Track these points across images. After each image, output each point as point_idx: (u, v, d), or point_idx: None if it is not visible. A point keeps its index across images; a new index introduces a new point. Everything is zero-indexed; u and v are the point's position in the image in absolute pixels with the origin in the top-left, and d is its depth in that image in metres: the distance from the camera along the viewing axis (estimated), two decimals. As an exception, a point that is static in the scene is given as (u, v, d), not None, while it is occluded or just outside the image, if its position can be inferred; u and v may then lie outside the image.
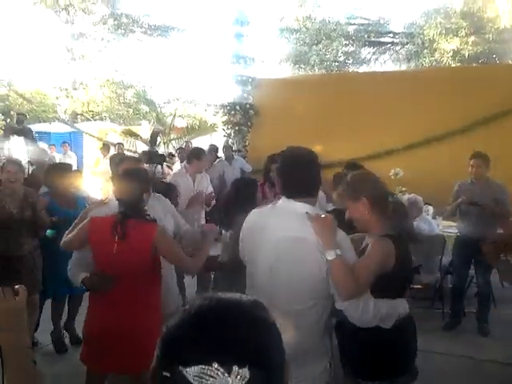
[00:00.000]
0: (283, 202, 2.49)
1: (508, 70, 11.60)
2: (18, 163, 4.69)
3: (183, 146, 11.22)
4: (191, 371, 0.86)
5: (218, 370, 0.85)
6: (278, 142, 9.70)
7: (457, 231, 5.79)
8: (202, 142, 12.76)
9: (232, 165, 9.44)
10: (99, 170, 11.71)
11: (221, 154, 10.13)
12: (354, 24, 25.75)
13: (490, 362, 4.76)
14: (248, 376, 0.86)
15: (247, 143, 11.78)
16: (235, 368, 0.86)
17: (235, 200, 4.09)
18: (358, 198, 2.61)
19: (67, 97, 25.14)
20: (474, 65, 19.56)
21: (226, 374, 0.85)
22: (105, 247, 3.00)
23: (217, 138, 13.96)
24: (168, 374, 0.88)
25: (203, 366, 0.86)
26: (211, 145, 10.21)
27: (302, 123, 10.61)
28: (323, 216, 2.36)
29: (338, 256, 2.27)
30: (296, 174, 2.45)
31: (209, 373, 0.85)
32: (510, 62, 20.11)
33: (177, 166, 9.86)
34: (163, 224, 3.29)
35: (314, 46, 24.45)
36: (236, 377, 0.85)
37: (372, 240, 2.61)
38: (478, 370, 4.64)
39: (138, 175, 3.18)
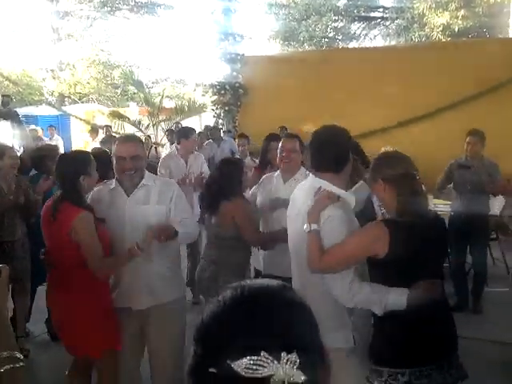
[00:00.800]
0: (310, 177, 2.72)
1: (498, 44, 11.51)
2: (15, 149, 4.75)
3: (172, 128, 11.08)
4: (240, 364, 0.84)
5: (268, 358, 0.84)
6: (269, 120, 9.75)
7: (450, 209, 5.73)
8: (191, 123, 12.63)
9: (221, 146, 9.30)
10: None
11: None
12: (344, -2, 25.47)
13: (482, 340, 4.75)
14: (298, 360, 0.85)
15: (237, 123, 11.66)
16: (283, 354, 0.84)
17: (219, 182, 3.79)
18: (375, 180, 2.58)
19: (54, 78, 24.81)
20: (464, 39, 19.41)
21: (276, 361, 0.84)
22: (44, 229, 3.09)
23: (206, 119, 13.82)
24: (215, 370, 0.86)
25: (251, 357, 0.84)
26: (206, 125, 10.08)
27: (292, 101, 10.51)
28: (321, 191, 2.49)
29: (312, 230, 2.41)
30: (321, 150, 2.61)
31: (258, 362, 0.83)
32: (500, 36, 19.97)
33: (167, 148, 9.74)
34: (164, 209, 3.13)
35: (304, 22, 24.18)
36: (286, 363, 0.84)
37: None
38: (470, 349, 4.63)
39: (73, 159, 3.16)
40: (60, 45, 25.50)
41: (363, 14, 25.41)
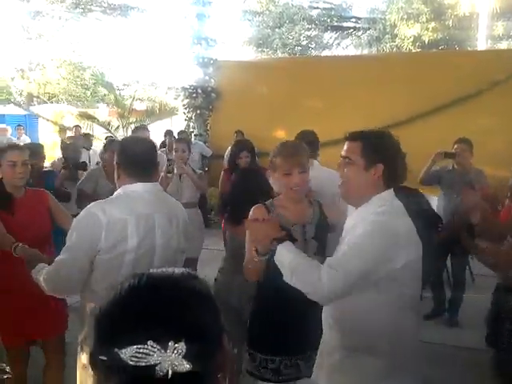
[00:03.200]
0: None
1: (466, 56, 11.74)
2: None
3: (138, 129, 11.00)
4: (127, 352, 0.85)
5: (154, 347, 0.85)
6: (240, 126, 9.72)
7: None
8: (162, 126, 12.54)
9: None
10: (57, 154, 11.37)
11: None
12: (317, 8, 25.70)
13: (459, 348, 4.79)
14: (185, 350, 0.85)
15: (208, 127, 11.61)
16: (171, 343, 0.85)
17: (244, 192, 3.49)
18: None
19: (23, 78, 24.38)
20: (434, 50, 19.78)
21: (163, 351, 0.84)
22: None
23: (177, 122, 13.74)
24: (104, 358, 0.87)
25: (138, 346, 0.85)
26: (167, 130, 9.98)
27: (264, 107, 10.52)
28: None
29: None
30: None
31: (144, 351, 0.84)
32: (468, 48, 20.40)
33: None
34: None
35: (277, 30, 24.32)
36: (173, 352, 0.85)
37: None
38: (448, 357, 4.66)
39: None
40: (30, 44, 25.09)
41: (336, 23, 25.72)
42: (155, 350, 0.85)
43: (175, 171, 5.30)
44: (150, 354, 0.84)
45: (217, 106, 11.59)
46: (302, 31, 25.10)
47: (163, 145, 9.38)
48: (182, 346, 0.85)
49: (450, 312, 5.46)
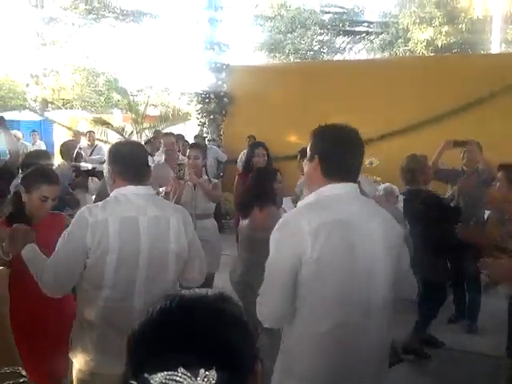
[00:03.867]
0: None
1: (480, 59, 11.67)
2: None
3: (154, 135, 11.07)
4: (157, 378, 0.83)
5: (185, 374, 0.82)
6: (253, 130, 9.75)
7: None
8: (176, 131, 12.58)
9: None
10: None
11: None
12: (329, 12, 25.72)
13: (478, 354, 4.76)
14: (215, 378, 0.83)
15: (222, 132, 11.65)
16: (202, 371, 0.83)
17: (252, 189, 4.08)
18: None
19: (37, 84, 24.60)
20: (447, 54, 19.68)
21: (193, 378, 0.82)
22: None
23: (191, 127, 13.79)
24: (134, 383, 0.85)
25: (169, 372, 0.83)
26: (177, 134, 10.01)
27: (277, 111, 10.53)
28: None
29: None
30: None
31: (175, 378, 0.82)
32: (482, 52, 20.29)
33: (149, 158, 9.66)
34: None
35: (289, 35, 24.36)
36: (203, 380, 0.83)
37: None
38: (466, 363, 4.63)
39: None
40: (44, 50, 25.32)
41: (348, 28, 25.71)
42: (186, 377, 0.82)
43: (186, 177, 4.94)
44: (179, 381, 0.82)
45: (230, 111, 11.63)
46: (314, 36, 25.14)
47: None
48: (213, 374, 0.83)
49: (469, 318, 5.41)
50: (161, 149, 9.67)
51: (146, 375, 0.83)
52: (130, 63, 28.61)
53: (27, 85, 25.39)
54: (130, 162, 2.51)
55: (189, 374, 0.82)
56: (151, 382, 0.83)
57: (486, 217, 5.47)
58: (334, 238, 1.95)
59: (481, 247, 3.13)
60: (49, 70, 25.30)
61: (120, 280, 2.45)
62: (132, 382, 0.85)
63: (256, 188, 4.03)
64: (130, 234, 2.45)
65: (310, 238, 1.92)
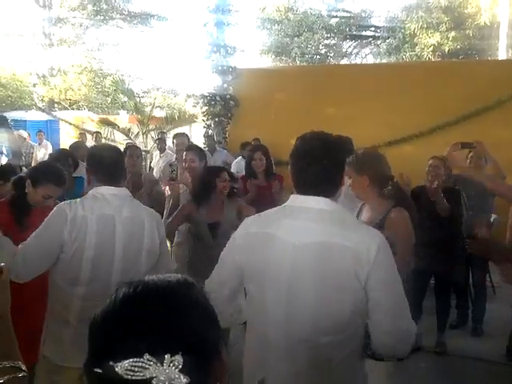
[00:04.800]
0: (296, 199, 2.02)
1: (487, 66, 11.64)
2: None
3: (159, 137, 11.11)
4: (122, 365, 0.82)
5: (150, 360, 0.82)
6: (258, 133, 9.74)
7: None
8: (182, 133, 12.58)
9: (213, 157, 9.23)
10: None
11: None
12: (336, 17, 25.72)
13: (480, 360, 4.74)
14: (182, 363, 0.83)
15: (227, 135, 11.65)
16: (167, 356, 0.82)
17: (197, 188, 4.22)
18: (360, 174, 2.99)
19: (44, 84, 24.69)
20: (454, 60, 19.65)
21: (159, 364, 0.82)
22: None
23: (196, 129, 13.81)
24: (99, 370, 0.84)
25: (134, 359, 0.82)
26: (176, 133, 9.96)
27: (283, 115, 10.53)
28: None
29: None
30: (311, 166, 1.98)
31: (140, 365, 0.82)
32: (489, 58, 20.24)
33: (156, 156, 9.68)
34: None
35: (296, 38, 24.36)
36: (169, 365, 0.82)
37: None
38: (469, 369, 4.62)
39: None
40: (52, 51, 25.43)
41: (355, 32, 25.72)
42: (151, 363, 0.82)
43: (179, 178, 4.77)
44: (145, 368, 0.82)
45: (235, 114, 11.63)
46: (321, 40, 25.13)
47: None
48: (178, 359, 0.83)
49: (474, 322, 5.41)
50: (166, 149, 9.74)
51: (110, 363, 0.82)
52: (137, 65, 28.71)
53: (34, 85, 25.49)
54: (105, 165, 2.62)
55: (154, 360, 0.82)
56: (116, 369, 0.82)
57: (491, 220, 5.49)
58: (255, 247, 1.99)
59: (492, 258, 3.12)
60: (56, 71, 25.41)
61: (95, 278, 2.50)
62: (97, 369, 0.84)
63: (198, 186, 4.16)
64: (107, 232, 2.54)
65: (240, 245, 2.05)
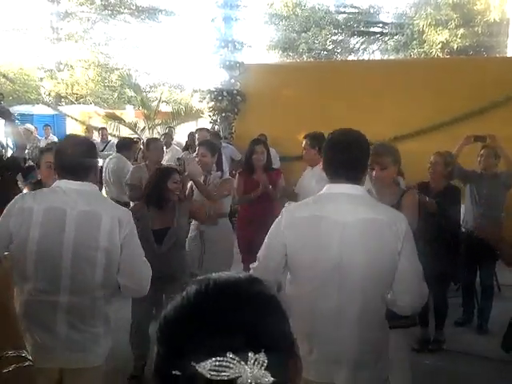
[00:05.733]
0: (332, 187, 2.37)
1: (496, 63, 11.57)
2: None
3: (166, 132, 11.11)
4: (205, 365, 0.79)
5: (234, 359, 0.79)
6: (264, 129, 9.72)
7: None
8: (188, 128, 12.60)
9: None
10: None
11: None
12: (344, 12, 25.63)
13: (484, 358, 4.72)
14: (266, 360, 0.80)
15: (233, 130, 11.64)
16: (251, 354, 0.80)
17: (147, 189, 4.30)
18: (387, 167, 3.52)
19: (51, 78, 24.75)
20: (463, 57, 19.53)
21: (243, 362, 0.79)
22: None
23: (203, 125, 13.81)
24: (178, 372, 0.80)
25: (217, 358, 0.79)
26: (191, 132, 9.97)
27: (289, 111, 10.50)
28: None
29: None
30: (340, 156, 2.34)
31: (224, 364, 0.79)
32: (497, 55, 20.11)
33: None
34: None
35: (303, 34, 24.30)
36: (254, 363, 0.79)
37: None
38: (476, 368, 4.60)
39: None
40: (59, 45, 25.47)
41: (363, 28, 25.61)
42: (235, 361, 0.79)
43: (186, 172, 4.91)
44: (230, 367, 0.79)
45: (242, 109, 11.61)
46: (329, 36, 25.06)
47: (187, 147, 9.43)
48: (263, 357, 0.80)
49: (479, 320, 5.39)
50: (172, 144, 9.74)
51: (192, 363, 0.79)
52: (144, 60, 28.71)
53: (41, 79, 25.56)
54: (65, 158, 2.54)
55: (238, 359, 0.79)
56: (199, 369, 0.79)
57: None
58: (302, 231, 2.29)
59: (495, 244, 3.16)
60: (63, 65, 25.45)
61: (42, 273, 2.42)
62: (175, 371, 0.81)
63: (150, 187, 4.10)
64: (54, 225, 2.43)
65: (285, 230, 2.32)
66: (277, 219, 2.39)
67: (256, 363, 0.79)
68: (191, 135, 9.57)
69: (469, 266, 5.45)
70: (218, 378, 0.78)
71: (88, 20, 26.88)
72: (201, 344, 0.81)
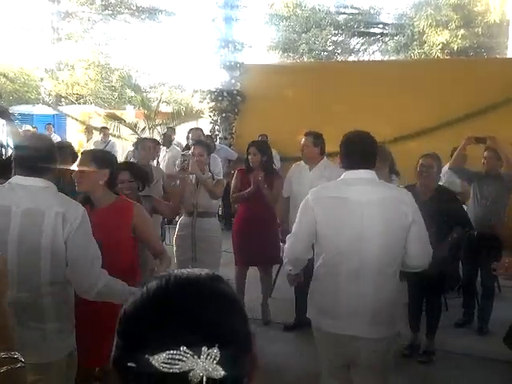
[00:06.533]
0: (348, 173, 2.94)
1: (496, 64, 11.57)
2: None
3: (165, 132, 11.11)
4: (158, 358, 0.80)
5: (187, 352, 0.81)
6: (265, 129, 9.73)
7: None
8: (187, 129, 12.59)
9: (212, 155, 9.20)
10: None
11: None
12: (344, 13, 25.62)
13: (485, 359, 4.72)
14: (219, 355, 0.82)
15: (234, 130, 11.64)
16: (204, 349, 0.81)
17: None
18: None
19: (52, 78, 24.75)
20: (463, 58, 19.53)
21: (196, 356, 0.81)
22: None
23: (203, 125, 13.80)
24: (133, 364, 0.82)
25: (171, 351, 0.81)
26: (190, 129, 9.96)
27: (289, 111, 10.50)
28: None
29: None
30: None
31: (177, 357, 0.80)
32: (498, 56, 20.11)
33: (162, 152, 9.66)
34: None
35: (304, 34, 24.29)
36: (206, 358, 0.81)
37: None
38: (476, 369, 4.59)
39: None
40: (59, 45, 25.46)
41: (363, 29, 25.62)
42: (188, 355, 0.81)
43: (190, 169, 4.88)
44: (183, 360, 0.80)
45: (242, 110, 11.62)
46: (329, 36, 25.06)
47: (187, 147, 9.43)
48: (215, 352, 0.82)
49: (480, 321, 5.39)
50: (173, 145, 9.75)
51: (146, 356, 0.81)
52: (144, 60, 28.72)
53: (42, 79, 25.56)
54: (20, 154, 2.51)
55: (191, 353, 0.81)
56: (152, 362, 0.80)
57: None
58: (328, 207, 2.86)
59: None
60: (63, 65, 25.45)
61: None
62: (130, 364, 0.82)
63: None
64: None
65: (314, 206, 2.88)
66: (303, 201, 2.96)
67: (208, 357, 0.81)
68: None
69: (470, 266, 5.46)
70: (171, 371, 0.80)
71: (88, 20, 26.87)
72: (156, 338, 0.82)
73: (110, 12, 26.82)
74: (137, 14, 27.08)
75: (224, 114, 11.62)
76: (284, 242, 6.23)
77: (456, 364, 4.67)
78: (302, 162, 5.29)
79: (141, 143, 5.94)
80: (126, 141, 12.10)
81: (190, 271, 0.94)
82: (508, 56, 17.04)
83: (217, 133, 11.61)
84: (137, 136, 12.08)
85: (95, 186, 3.01)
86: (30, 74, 25.47)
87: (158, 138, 11.96)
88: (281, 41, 25.41)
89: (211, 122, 11.91)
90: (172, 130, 11.54)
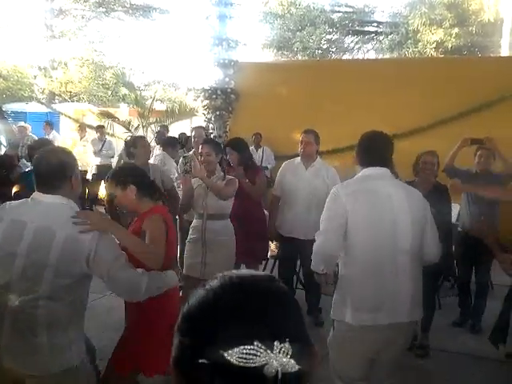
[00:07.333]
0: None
1: (490, 63, 11.59)
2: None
3: (159, 130, 11.07)
4: (233, 353, 0.83)
5: (260, 347, 0.83)
6: (259, 127, 9.72)
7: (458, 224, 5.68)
8: (182, 127, 12.57)
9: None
10: (76, 152, 11.45)
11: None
12: (339, 12, 25.61)
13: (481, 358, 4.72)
14: (290, 350, 0.84)
15: (228, 128, 11.61)
16: (277, 343, 0.83)
17: None
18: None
19: (45, 76, 24.63)
20: (456, 56, 19.56)
21: (269, 351, 0.83)
22: None
23: (197, 123, 13.78)
24: (205, 361, 0.84)
25: (245, 346, 0.83)
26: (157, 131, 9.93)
27: (284, 109, 10.49)
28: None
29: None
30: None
31: (252, 352, 0.82)
32: (491, 55, 20.16)
33: (156, 150, 9.63)
34: None
35: (298, 33, 24.27)
36: (279, 352, 0.83)
37: None
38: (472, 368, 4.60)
39: None
40: (53, 43, 25.33)
41: (357, 27, 25.63)
42: (262, 350, 0.83)
43: (193, 172, 4.67)
44: (257, 355, 0.82)
45: (236, 108, 11.59)
46: (323, 35, 25.05)
47: (182, 146, 9.38)
48: (287, 347, 0.84)
49: (473, 319, 5.40)
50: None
51: (220, 351, 0.83)
52: (138, 58, 28.63)
53: (35, 77, 25.42)
54: (38, 170, 2.50)
55: (264, 347, 0.82)
56: (228, 357, 0.82)
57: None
58: (360, 199, 2.96)
59: (490, 245, 3.32)
60: (57, 63, 25.32)
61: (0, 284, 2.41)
62: (202, 360, 0.84)
63: None
64: (12, 238, 2.40)
65: (344, 199, 2.96)
66: (330, 196, 3.05)
67: (282, 352, 0.83)
68: (182, 135, 9.54)
69: (465, 264, 5.46)
70: (247, 365, 0.82)
71: (82, 17, 26.73)
72: (229, 334, 0.85)
73: (104, 9, 26.69)
74: (131, 11, 26.97)
75: (218, 112, 11.59)
76: (272, 241, 6.18)
77: (449, 362, 4.68)
78: (295, 159, 5.28)
79: (140, 142, 5.83)
80: (120, 139, 12.04)
81: (247, 271, 0.98)
82: (502, 55, 17.10)
83: (211, 131, 11.58)
84: (130, 134, 12.04)
85: (132, 203, 3.24)
86: (23, 72, 25.33)
87: (151, 136, 11.96)
88: (275, 39, 25.37)
89: (205, 120, 11.89)
90: (165, 128, 11.50)
